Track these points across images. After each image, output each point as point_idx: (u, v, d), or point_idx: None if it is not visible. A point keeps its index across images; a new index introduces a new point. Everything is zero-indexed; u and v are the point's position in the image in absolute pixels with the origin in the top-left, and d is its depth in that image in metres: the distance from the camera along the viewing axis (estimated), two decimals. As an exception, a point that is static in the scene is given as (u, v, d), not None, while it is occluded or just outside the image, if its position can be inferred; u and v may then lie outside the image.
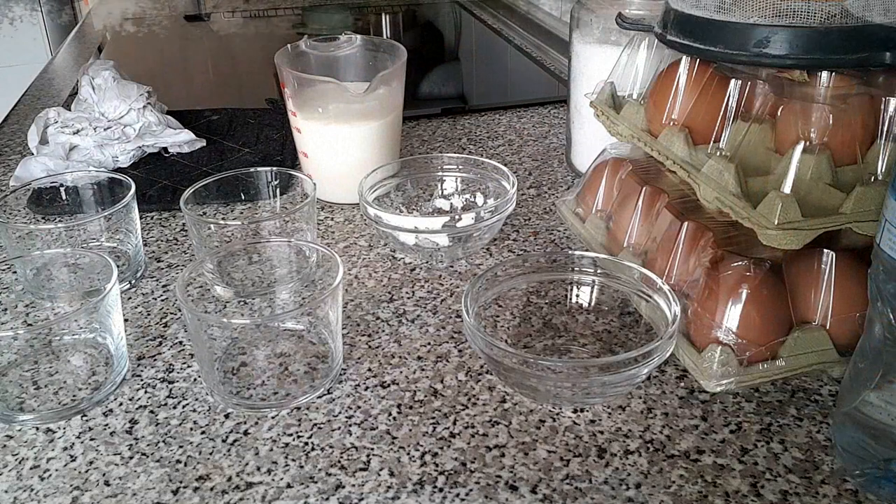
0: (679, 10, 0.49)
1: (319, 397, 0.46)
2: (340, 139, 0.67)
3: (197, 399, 0.47)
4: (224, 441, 0.43)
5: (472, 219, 0.57)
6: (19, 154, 0.81)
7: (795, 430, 0.43)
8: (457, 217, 0.57)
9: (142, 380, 0.48)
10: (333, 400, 0.46)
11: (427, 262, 0.60)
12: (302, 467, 0.41)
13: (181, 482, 0.41)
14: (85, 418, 0.45)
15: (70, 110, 0.77)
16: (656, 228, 0.53)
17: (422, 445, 0.42)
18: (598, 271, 0.52)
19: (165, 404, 0.46)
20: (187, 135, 0.78)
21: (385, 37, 1.38)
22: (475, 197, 0.66)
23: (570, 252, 0.54)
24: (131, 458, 0.42)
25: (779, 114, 0.48)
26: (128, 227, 0.58)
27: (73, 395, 0.47)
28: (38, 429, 0.45)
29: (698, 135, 0.51)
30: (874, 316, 0.37)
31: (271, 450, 0.43)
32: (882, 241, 0.35)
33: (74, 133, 0.73)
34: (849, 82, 0.46)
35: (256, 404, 0.46)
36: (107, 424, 0.45)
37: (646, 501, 0.39)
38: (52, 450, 0.43)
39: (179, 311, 0.55)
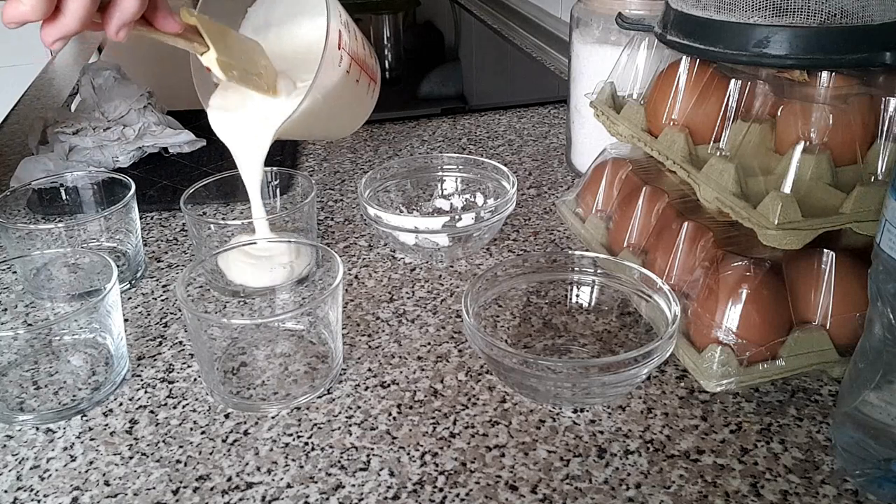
0: (679, 10, 0.49)
1: (319, 397, 0.46)
2: None
3: (197, 399, 0.47)
4: (224, 441, 0.43)
5: (472, 219, 0.57)
6: (19, 154, 0.81)
7: (795, 430, 0.43)
8: (457, 217, 0.57)
9: (142, 380, 0.48)
10: (333, 400, 0.46)
11: (427, 262, 0.60)
12: (302, 467, 0.41)
13: (181, 482, 0.41)
14: (85, 418, 0.45)
15: (70, 110, 0.77)
16: (656, 228, 0.53)
17: (422, 445, 0.42)
18: (598, 271, 0.52)
19: (165, 404, 0.46)
20: (187, 135, 0.78)
21: (385, 37, 1.38)
22: (475, 197, 0.66)
23: (570, 252, 0.54)
24: (131, 458, 0.42)
25: (779, 114, 0.48)
26: (128, 227, 0.58)
27: (73, 395, 0.47)
28: (38, 429, 0.45)
29: (698, 135, 0.51)
30: (874, 316, 0.37)
31: (271, 450, 0.43)
32: (882, 241, 0.35)
33: (74, 133, 0.73)
34: (849, 82, 0.46)
35: (256, 404, 0.46)
36: (107, 424, 0.45)
37: (646, 501, 0.39)
38: (52, 450, 0.43)
39: (179, 311, 0.55)
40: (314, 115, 0.53)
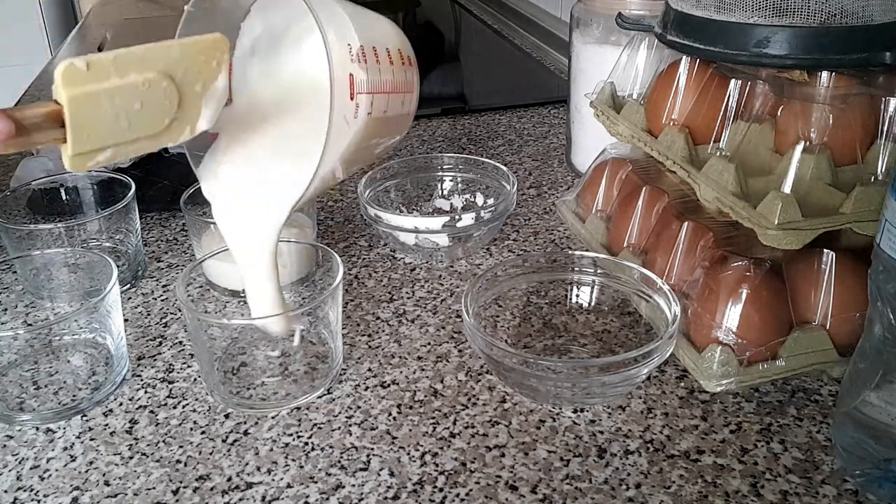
0: (679, 10, 0.49)
1: (319, 397, 0.46)
2: None
3: (197, 399, 0.47)
4: (224, 441, 0.43)
5: (472, 219, 0.57)
6: (19, 154, 0.81)
7: (795, 430, 0.43)
8: (457, 217, 0.57)
9: (142, 380, 0.48)
10: (333, 400, 0.46)
11: (427, 262, 0.60)
12: (302, 467, 0.41)
13: (181, 482, 0.41)
14: (85, 418, 0.45)
15: (70, 110, 0.77)
16: (656, 228, 0.53)
17: (422, 445, 0.42)
18: (598, 271, 0.52)
19: (165, 404, 0.46)
20: (187, 135, 0.77)
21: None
22: (475, 197, 0.66)
23: (570, 252, 0.54)
24: (131, 458, 0.42)
25: (779, 114, 0.48)
26: (128, 227, 0.58)
27: (73, 395, 0.47)
28: (38, 429, 0.45)
29: (698, 135, 0.51)
30: (874, 316, 0.37)
31: (271, 450, 0.43)
32: (882, 241, 0.35)
33: (74, 133, 0.73)
34: (849, 82, 0.46)
35: (256, 404, 0.46)
36: (107, 424, 0.45)
37: (646, 501, 0.39)
38: (52, 450, 0.43)
39: (179, 311, 0.55)
40: (335, 173, 0.43)
